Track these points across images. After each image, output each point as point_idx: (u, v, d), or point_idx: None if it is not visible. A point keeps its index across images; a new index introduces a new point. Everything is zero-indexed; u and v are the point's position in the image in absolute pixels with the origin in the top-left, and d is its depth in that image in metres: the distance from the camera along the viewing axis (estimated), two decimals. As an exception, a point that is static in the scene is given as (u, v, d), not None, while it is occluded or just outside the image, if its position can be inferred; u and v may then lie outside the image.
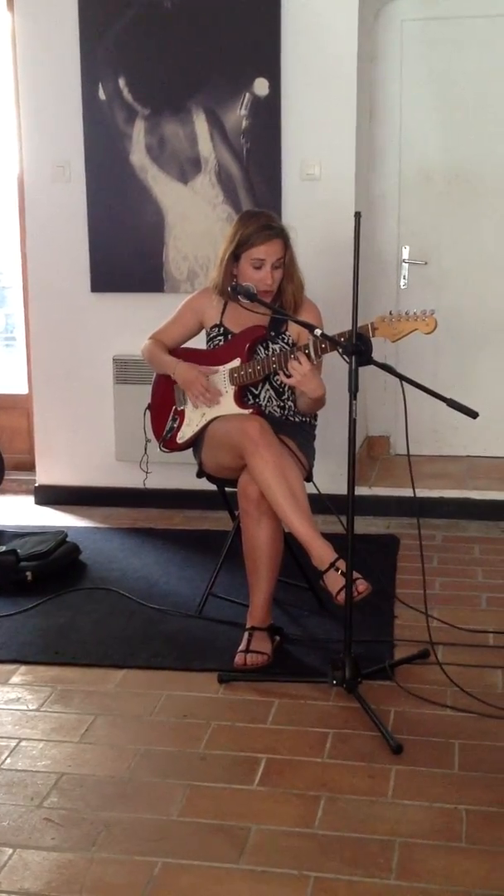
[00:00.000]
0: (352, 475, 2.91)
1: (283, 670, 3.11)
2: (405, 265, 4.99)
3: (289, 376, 3.17)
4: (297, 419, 3.46)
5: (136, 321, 4.44)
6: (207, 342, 3.52)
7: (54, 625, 3.48)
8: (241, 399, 3.40)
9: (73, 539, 4.14)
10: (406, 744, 2.65)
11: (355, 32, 4.40)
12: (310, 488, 3.25)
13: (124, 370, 4.72)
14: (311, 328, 3.08)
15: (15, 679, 3.11)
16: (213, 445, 3.38)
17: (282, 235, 3.35)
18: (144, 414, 3.63)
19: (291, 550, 3.41)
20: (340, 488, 2.98)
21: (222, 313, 3.48)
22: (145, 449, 3.65)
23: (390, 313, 3.14)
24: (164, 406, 3.56)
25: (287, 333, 3.42)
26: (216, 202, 4.58)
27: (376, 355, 2.94)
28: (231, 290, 3.32)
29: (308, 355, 3.13)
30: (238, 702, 2.93)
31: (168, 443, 3.56)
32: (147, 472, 3.75)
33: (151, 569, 4.01)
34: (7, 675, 3.13)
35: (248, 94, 4.46)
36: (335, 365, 3.10)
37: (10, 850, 2.27)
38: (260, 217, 3.39)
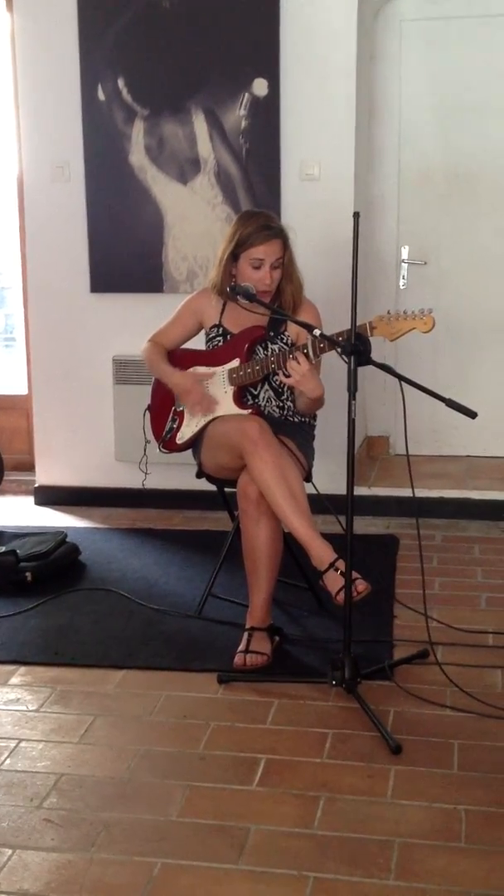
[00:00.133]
0: (351, 475, 2.91)
1: (283, 670, 3.11)
2: (404, 265, 5.00)
3: (288, 376, 3.17)
4: (296, 419, 3.46)
5: (136, 321, 4.45)
6: (206, 342, 3.52)
7: (54, 625, 3.48)
8: (240, 399, 3.40)
9: (72, 539, 4.13)
10: (405, 744, 2.65)
11: (354, 33, 4.40)
12: (309, 488, 3.25)
13: (124, 370, 4.72)
14: (310, 328, 3.09)
15: (14, 680, 3.11)
16: (212, 446, 3.38)
17: (281, 235, 3.35)
18: (144, 415, 3.63)
19: (291, 550, 3.41)
20: (340, 488, 2.98)
21: (221, 313, 3.48)
22: (145, 450, 3.65)
23: (388, 312, 3.14)
24: (164, 407, 3.56)
25: (286, 334, 3.42)
26: (215, 202, 4.58)
27: (375, 355, 2.94)
28: (230, 290, 3.32)
29: (307, 355, 3.13)
30: (237, 702, 2.93)
31: (167, 444, 3.56)
32: (146, 473, 3.75)
33: (151, 569, 4.01)
34: (6, 676, 3.13)
35: (247, 95, 4.47)
36: (334, 365, 3.10)
37: (10, 851, 2.27)
38: (259, 217, 3.39)
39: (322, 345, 3.10)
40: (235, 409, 3.38)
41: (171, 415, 3.55)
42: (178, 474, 4.35)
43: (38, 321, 4.90)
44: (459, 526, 4.48)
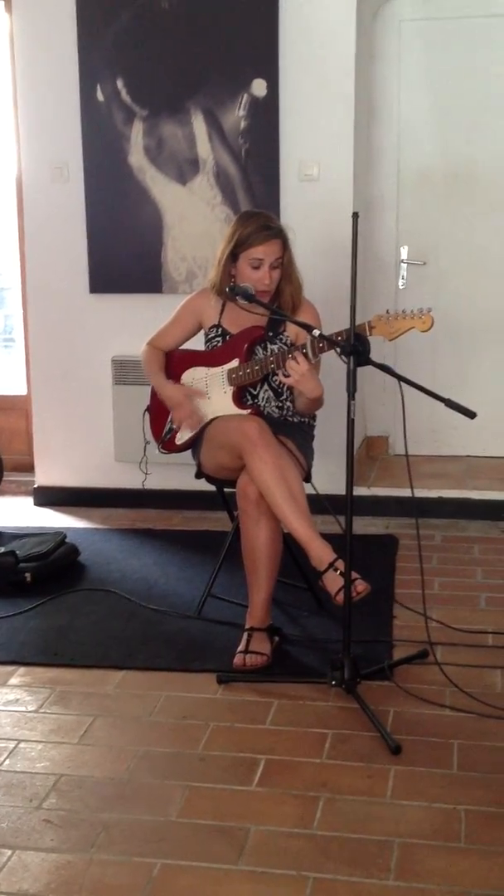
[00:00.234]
0: (350, 475, 2.91)
1: (282, 671, 3.11)
2: (404, 265, 5.00)
3: (287, 376, 3.17)
4: (295, 419, 3.46)
5: (135, 322, 4.45)
6: (206, 343, 3.52)
7: (53, 626, 3.48)
8: (239, 399, 3.40)
9: (72, 540, 4.13)
10: (405, 744, 2.65)
11: (353, 33, 4.40)
12: (308, 489, 3.25)
13: (123, 371, 4.72)
14: (309, 329, 3.09)
15: (14, 680, 3.11)
16: (211, 446, 3.38)
17: (280, 236, 3.35)
18: (143, 416, 3.63)
19: (290, 551, 3.41)
20: (339, 488, 2.98)
21: (221, 314, 3.48)
22: (144, 450, 3.65)
23: (387, 311, 3.14)
24: (163, 408, 3.56)
25: (285, 334, 3.42)
26: (214, 203, 4.58)
27: (374, 355, 2.94)
28: (229, 290, 3.32)
29: (306, 355, 3.13)
30: (237, 702, 2.93)
31: (167, 444, 3.56)
32: (147, 474, 3.75)
33: (150, 570, 4.01)
34: (6, 677, 3.12)
35: (246, 95, 4.47)
36: (333, 365, 3.10)
37: (10, 852, 2.27)
38: (259, 217, 3.39)
39: (321, 345, 3.10)
40: (235, 410, 3.38)
41: (170, 416, 3.54)
42: (178, 475, 4.35)
43: (38, 322, 4.90)
44: (459, 526, 4.48)
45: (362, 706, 2.80)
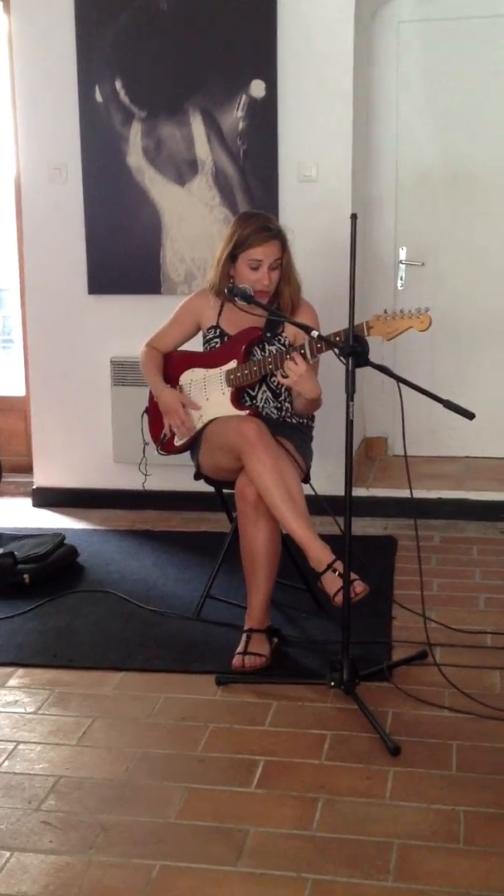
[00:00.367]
0: (349, 476, 2.91)
1: (281, 672, 3.11)
2: (402, 266, 5.00)
3: (285, 377, 3.17)
4: (294, 420, 3.46)
5: (134, 323, 4.45)
6: (204, 344, 3.52)
7: (52, 627, 3.48)
8: (238, 401, 3.40)
9: (70, 541, 4.13)
10: (404, 745, 2.64)
11: (351, 34, 4.40)
12: (307, 490, 3.25)
13: (122, 372, 4.72)
14: (307, 329, 3.09)
15: (12, 682, 3.11)
16: (210, 447, 3.38)
17: (279, 237, 3.35)
18: (142, 417, 3.63)
19: (289, 552, 3.40)
20: (338, 489, 2.98)
21: (219, 315, 3.48)
22: (144, 451, 3.65)
23: (385, 311, 3.14)
24: (162, 409, 3.56)
25: (283, 335, 3.42)
26: (213, 204, 4.58)
27: (373, 355, 2.94)
28: (228, 291, 3.32)
29: (304, 355, 3.13)
30: (236, 704, 2.93)
31: (165, 446, 3.56)
32: (146, 475, 3.75)
33: (149, 571, 4.01)
34: (4, 678, 3.12)
35: (244, 96, 4.47)
36: (332, 366, 3.10)
37: (8, 854, 2.27)
38: (258, 218, 3.39)
39: (319, 345, 3.10)
40: (233, 411, 3.38)
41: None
42: (177, 476, 4.35)
43: (36, 323, 4.90)
44: (458, 527, 4.48)
45: (361, 707, 2.80)
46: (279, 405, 3.44)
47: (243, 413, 3.36)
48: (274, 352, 3.36)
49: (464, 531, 4.43)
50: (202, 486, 3.63)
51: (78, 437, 4.91)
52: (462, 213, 4.95)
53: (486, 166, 4.88)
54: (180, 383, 3.52)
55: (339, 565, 2.97)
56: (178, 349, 3.60)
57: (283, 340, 3.42)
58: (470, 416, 2.81)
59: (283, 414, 3.45)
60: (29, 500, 5.02)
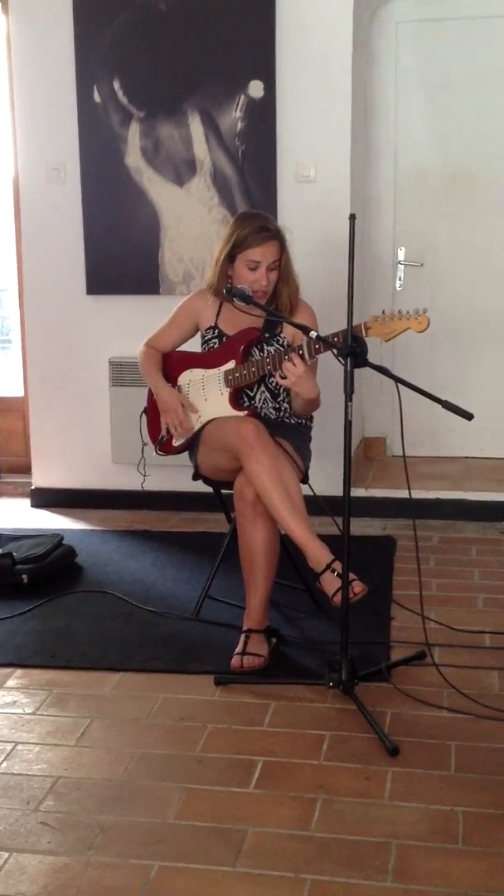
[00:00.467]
0: (348, 476, 2.91)
1: (280, 672, 3.11)
2: (401, 266, 5.00)
3: (284, 378, 3.17)
4: (292, 421, 3.46)
5: (132, 323, 4.45)
6: (202, 344, 3.52)
7: (50, 628, 3.48)
8: (236, 401, 3.40)
9: (69, 542, 4.13)
10: (402, 745, 2.64)
11: (350, 34, 4.40)
12: (306, 490, 3.25)
13: (120, 372, 4.71)
14: (305, 330, 3.08)
15: (11, 682, 3.10)
16: (208, 448, 3.38)
17: (278, 238, 3.35)
18: (140, 417, 3.62)
19: (288, 552, 3.40)
20: (337, 490, 2.98)
21: (217, 315, 3.47)
22: (142, 452, 3.65)
23: (383, 312, 3.14)
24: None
25: (282, 335, 3.42)
26: (211, 204, 4.58)
27: (372, 355, 2.94)
28: (226, 291, 3.32)
29: (302, 356, 3.13)
30: (234, 704, 2.92)
31: (164, 446, 3.55)
32: (145, 476, 3.75)
33: (148, 571, 4.01)
34: (3, 679, 3.12)
35: (242, 96, 4.47)
36: (331, 366, 3.10)
37: (7, 854, 2.27)
38: (256, 219, 3.39)
39: (317, 346, 3.10)
40: (232, 411, 3.38)
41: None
42: (175, 476, 4.34)
43: (35, 323, 4.90)
44: (456, 527, 4.48)
45: (360, 708, 2.80)
46: (278, 406, 3.44)
47: (242, 413, 3.36)
48: (272, 352, 3.36)
49: (462, 531, 4.43)
50: (200, 487, 3.63)
51: (76, 437, 4.91)
52: (461, 213, 4.95)
53: (484, 166, 4.88)
54: (179, 384, 3.51)
55: (337, 565, 2.97)
56: (177, 350, 3.60)
57: (281, 341, 3.42)
58: (468, 416, 2.81)
59: (282, 414, 3.45)
60: (27, 501, 5.02)
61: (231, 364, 3.39)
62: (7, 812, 2.43)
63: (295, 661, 3.19)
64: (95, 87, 4.58)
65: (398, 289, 4.99)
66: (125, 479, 4.59)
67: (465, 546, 4.25)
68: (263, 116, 4.47)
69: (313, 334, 3.05)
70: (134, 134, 4.60)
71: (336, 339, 3.01)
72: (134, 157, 4.62)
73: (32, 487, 5.02)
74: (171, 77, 4.51)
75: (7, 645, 3.35)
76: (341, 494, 2.91)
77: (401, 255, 4.99)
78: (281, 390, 3.40)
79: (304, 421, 3.49)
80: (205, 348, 3.51)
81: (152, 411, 3.59)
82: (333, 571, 2.98)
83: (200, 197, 4.59)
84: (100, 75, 4.57)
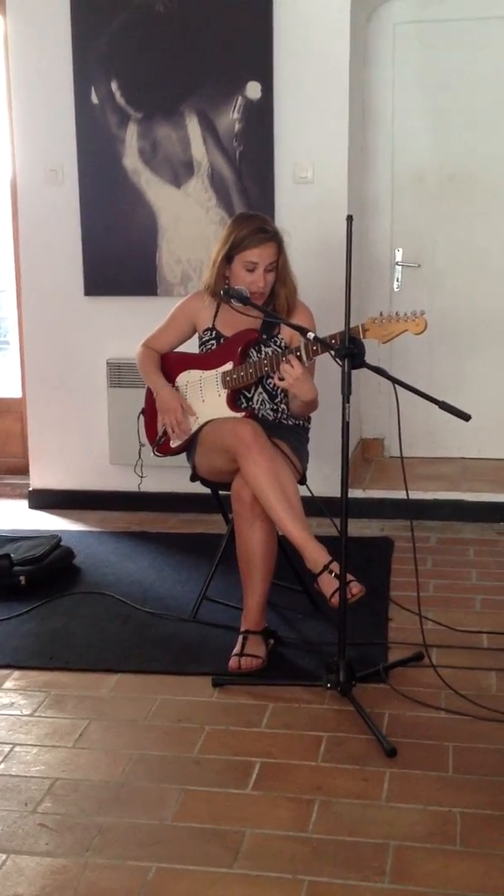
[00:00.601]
0: (345, 477, 2.91)
1: (278, 674, 3.11)
2: (398, 267, 5.00)
3: (281, 379, 3.17)
4: (290, 422, 3.46)
5: (130, 324, 4.45)
6: (200, 346, 3.52)
7: (48, 629, 3.47)
8: (233, 402, 3.40)
9: (66, 543, 4.13)
10: (400, 747, 2.64)
11: (347, 35, 4.40)
12: (303, 491, 3.25)
13: (118, 374, 4.71)
14: (303, 331, 3.08)
15: (8, 684, 3.10)
16: (206, 449, 3.38)
17: (275, 239, 3.35)
18: (138, 418, 3.62)
19: (285, 553, 3.40)
20: (334, 491, 2.98)
21: (215, 316, 3.47)
22: (139, 454, 3.65)
23: (381, 314, 3.14)
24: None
25: (279, 336, 3.42)
26: (209, 205, 4.58)
27: (370, 356, 2.95)
28: (223, 292, 3.32)
29: (299, 357, 3.13)
30: (232, 705, 2.92)
31: (162, 447, 3.55)
32: (142, 477, 3.75)
33: (145, 573, 4.01)
34: (1, 681, 3.12)
35: (240, 98, 4.47)
36: (328, 367, 3.10)
37: (4, 856, 2.27)
38: (254, 220, 3.39)
39: (315, 347, 3.10)
40: (229, 413, 3.38)
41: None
42: (173, 477, 4.34)
43: (32, 324, 4.89)
44: (454, 528, 4.48)
45: (357, 709, 2.80)
46: (275, 407, 3.44)
47: (239, 415, 3.36)
48: (270, 354, 3.36)
49: (460, 532, 4.44)
50: (198, 488, 3.63)
51: (74, 438, 4.91)
52: (458, 214, 4.95)
53: (482, 167, 4.88)
54: (176, 384, 3.51)
55: (335, 566, 2.97)
56: (174, 351, 3.59)
57: (279, 342, 3.42)
58: (466, 417, 2.81)
59: (280, 416, 3.45)
60: (25, 502, 5.02)
61: (229, 365, 3.39)
62: (5, 814, 2.43)
63: (293, 663, 3.19)
64: (93, 89, 4.58)
65: (396, 290, 4.99)
66: (123, 481, 4.58)
67: (462, 547, 4.25)
68: (261, 117, 4.47)
69: (311, 336, 3.05)
70: (132, 135, 4.60)
71: (334, 341, 3.01)
72: (132, 159, 4.62)
73: (30, 488, 5.02)
74: (168, 78, 4.51)
75: (5, 646, 3.34)
76: (339, 495, 2.91)
77: (398, 256, 4.99)
78: (279, 391, 3.40)
79: (301, 422, 3.49)
80: (202, 349, 3.51)
81: (150, 412, 3.59)
82: (331, 572, 2.98)
83: (198, 198, 4.59)
84: (97, 76, 4.57)
